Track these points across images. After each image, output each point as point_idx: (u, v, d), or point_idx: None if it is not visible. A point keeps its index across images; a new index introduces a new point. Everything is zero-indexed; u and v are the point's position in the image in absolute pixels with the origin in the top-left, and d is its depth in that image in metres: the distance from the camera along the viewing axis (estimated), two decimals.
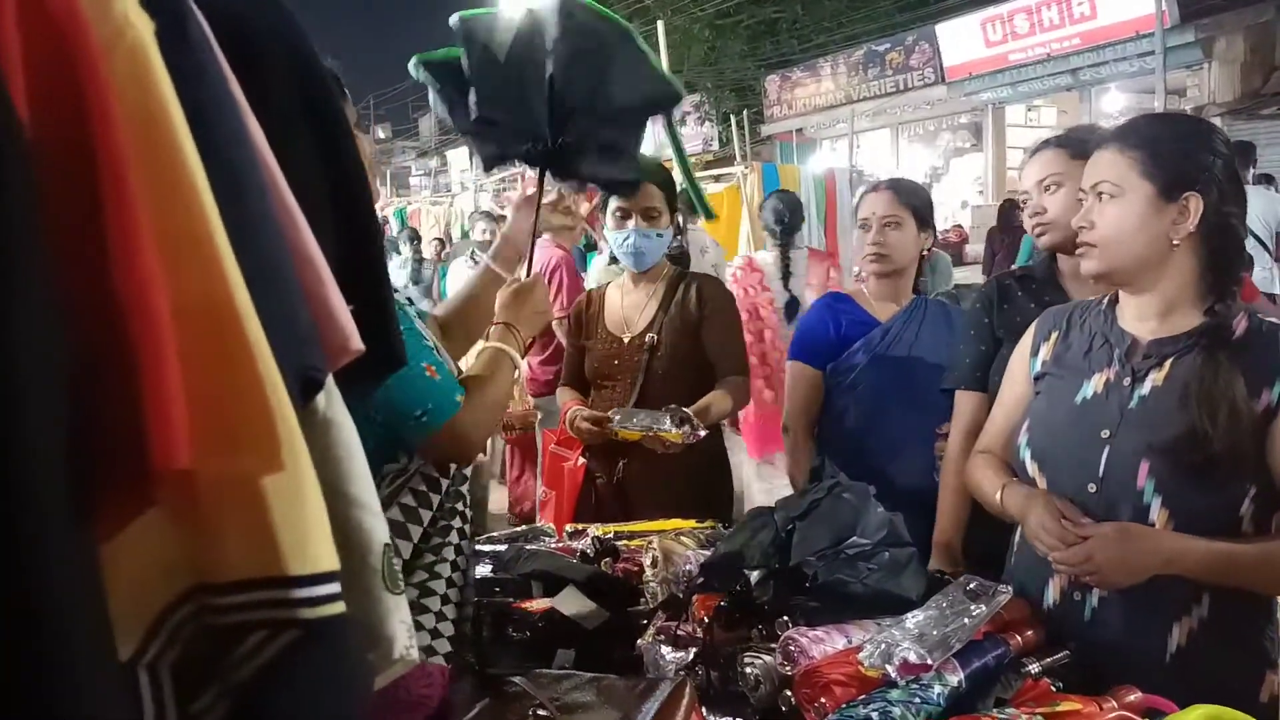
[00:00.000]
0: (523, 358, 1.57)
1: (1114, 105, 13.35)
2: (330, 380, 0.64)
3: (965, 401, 2.02)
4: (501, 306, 1.62)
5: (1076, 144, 1.91)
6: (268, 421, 0.53)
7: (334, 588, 0.56)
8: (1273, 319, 1.45)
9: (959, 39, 14.25)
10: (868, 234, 2.40)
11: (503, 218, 8.20)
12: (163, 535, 0.52)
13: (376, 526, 0.70)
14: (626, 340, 2.52)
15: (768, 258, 4.23)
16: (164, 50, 0.50)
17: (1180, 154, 1.43)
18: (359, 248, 0.80)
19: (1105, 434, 1.45)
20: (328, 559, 0.55)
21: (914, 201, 2.40)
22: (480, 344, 1.60)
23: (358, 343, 0.66)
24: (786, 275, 4.17)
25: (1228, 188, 1.42)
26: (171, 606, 0.53)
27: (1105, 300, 1.58)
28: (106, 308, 0.47)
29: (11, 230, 0.42)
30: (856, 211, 2.52)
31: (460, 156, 22.31)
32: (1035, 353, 1.63)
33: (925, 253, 2.47)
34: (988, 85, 14.17)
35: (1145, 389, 1.44)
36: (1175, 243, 1.42)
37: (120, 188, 0.45)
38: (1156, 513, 1.40)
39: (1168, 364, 1.44)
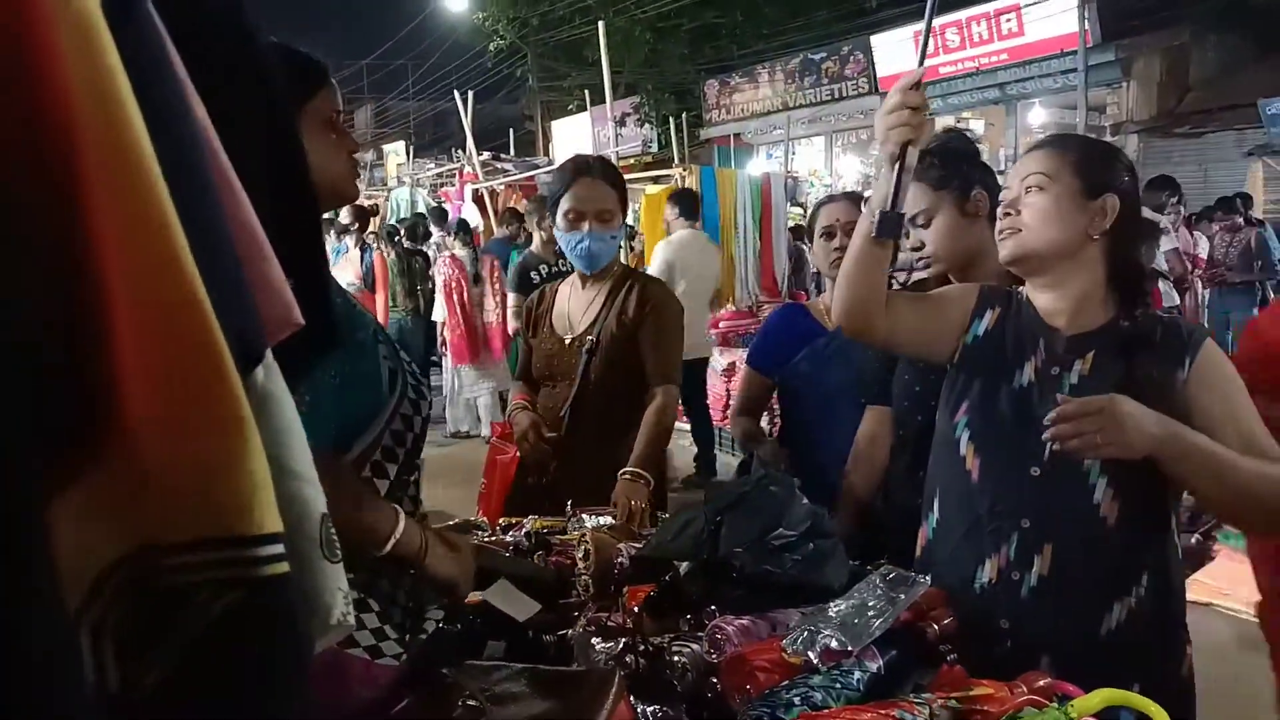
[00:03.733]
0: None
1: (1038, 119, 13.76)
2: (269, 354, 0.64)
3: (870, 414, 2.16)
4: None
5: (935, 179, 1.95)
6: (218, 386, 0.53)
7: (279, 548, 0.56)
8: (1161, 311, 1.58)
9: (893, 50, 14.53)
10: (830, 242, 2.38)
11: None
12: (109, 494, 0.52)
13: (314, 497, 0.70)
14: (567, 341, 2.49)
15: (465, 253, 7.08)
16: (108, 20, 0.50)
17: (1104, 161, 1.56)
18: (297, 223, 0.80)
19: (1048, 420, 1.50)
20: (272, 521, 0.56)
21: None
22: None
23: (298, 316, 0.67)
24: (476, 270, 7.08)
25: (1134, 202, 1.57)
26: (115, 566, 0.53)
27: (1024, 296, 1.64)
28: (62, 270, 0.47)
29: None
30: (814, 222, 2.50)
31: (398, 150, 21.86)
32: (981, 315, 1.64)
33: None
34: None
35: (1074, 378, 1.52)
36: (1094, 236, 1.52)
37: (74, 153, 0.45)
38: (1101, 493, 1.47)
39: (1090, 355, 1.52)
